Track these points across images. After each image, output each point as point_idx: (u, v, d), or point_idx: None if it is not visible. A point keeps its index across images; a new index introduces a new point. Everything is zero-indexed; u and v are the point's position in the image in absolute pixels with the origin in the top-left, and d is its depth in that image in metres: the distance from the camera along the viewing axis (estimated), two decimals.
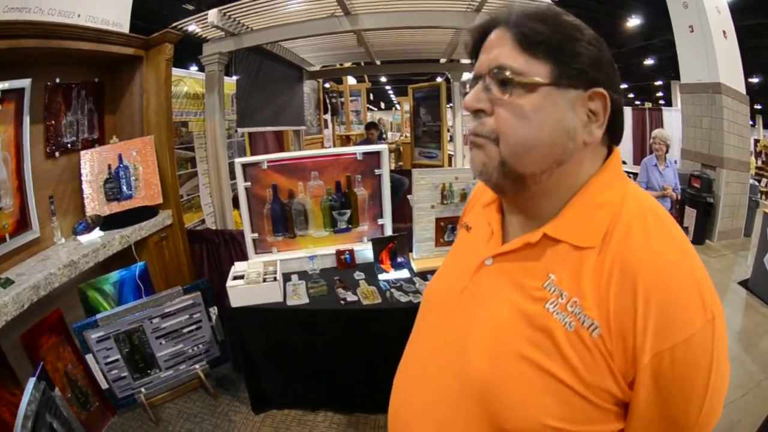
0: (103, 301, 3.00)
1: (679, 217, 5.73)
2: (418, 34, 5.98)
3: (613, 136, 0.80)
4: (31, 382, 2.11)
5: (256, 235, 3.14)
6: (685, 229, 3.99)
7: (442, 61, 7.54)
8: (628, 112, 11.63)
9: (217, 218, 5.13)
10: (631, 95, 23.65)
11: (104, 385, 2.82)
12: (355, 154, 3.10)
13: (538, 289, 0.75)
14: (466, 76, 7.79)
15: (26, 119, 2.45)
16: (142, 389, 2.96)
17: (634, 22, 11.45)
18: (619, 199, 0.75)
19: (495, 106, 0.75)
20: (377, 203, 3.20)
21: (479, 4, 3.95)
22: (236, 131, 5.64)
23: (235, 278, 2.84)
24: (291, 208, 3.12)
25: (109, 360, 2.81)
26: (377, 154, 3.11)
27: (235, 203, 5.15)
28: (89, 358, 2.74)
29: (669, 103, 16.64)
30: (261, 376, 2.90)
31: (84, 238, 2.82)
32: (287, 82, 6.75)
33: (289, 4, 4.34)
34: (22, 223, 2.49)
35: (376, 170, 3.13)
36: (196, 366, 3.16)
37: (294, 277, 3.03)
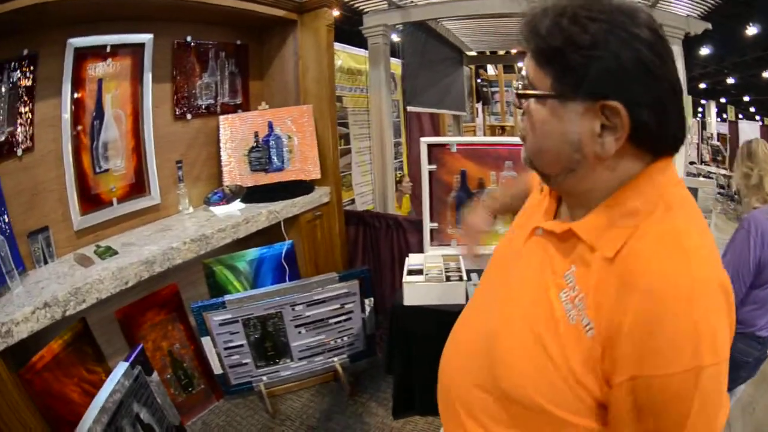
0: (234, 280, 2.57)
1: None
2: None
3: (652, 149, 0.67)
4: (122, 367, 1.71)
5: (435, 224, 2.59)
6: None
7: None
8: (755, 128, 10.23)
9: (376, 200, 4.58)
10: (751, 110, 21.77)
11: (218, 371, 2.39)
12: None
13: (560, 277, 0.71)
14: None
15: (147, 76, 2.06)
16: (264, 378, 2.49)
17: (752, 30, 9.60)
18: (648, 208, 0.66)
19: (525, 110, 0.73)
20: None
21: (653, 2, 3.46)
22: (405, 109, 5.16)
23: (410, 272, 2.28)
24: (480, 198, 2.53)
25: (231, 345, 2.36)
26: None
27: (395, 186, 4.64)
28: (206, 341, 2.30)
29: None
30: (414, 378, 2.34)
31: (219, 210, 2.40)
32: (449, 65, 6.05)
33: None
34: (138, 188, 2.13)
35: None
36: (335, 359, 2.61)
37: (474, 276, 2.38)
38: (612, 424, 0.66)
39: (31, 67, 1.61)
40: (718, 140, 12.58)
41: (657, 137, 0.65)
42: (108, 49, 1.86)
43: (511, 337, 0.74)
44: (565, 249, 0.73)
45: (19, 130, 1.60)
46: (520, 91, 0.71)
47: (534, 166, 0.75)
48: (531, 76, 0.68)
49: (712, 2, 3.49)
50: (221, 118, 2.55)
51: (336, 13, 4.09)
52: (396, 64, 5.01)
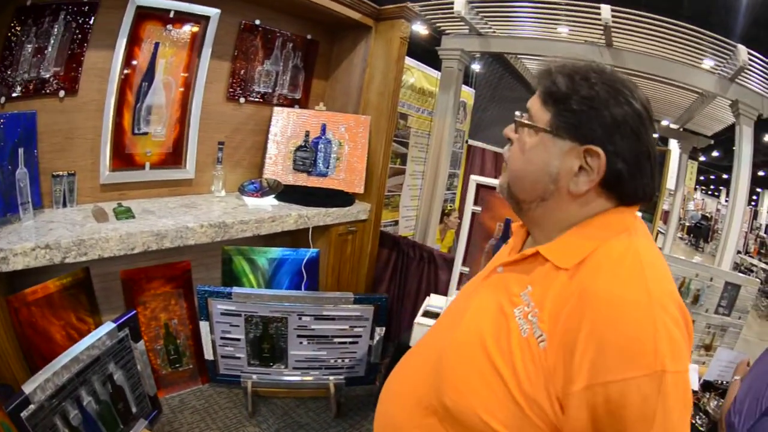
0: (250, 274, 2.53)
1: None
2: (660, 89, 5.02)
3: (619, 195, 0.76)
4: (108, 326, 1.72)
5: (467, 269, 2.44)
6: None
7: (673, 126, 6.94)
8: None
9: (418, 229, 4.50)
10: None
11: (209, 356, 2.34)
12: None
13: (516, 296, 0.76)
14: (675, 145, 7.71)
15: (206, 51, 2.08)
16: (254, 376, 2.42)
17: None
18: (612, 234, 0.72)
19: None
20: None
21: (732, 76, 3.46)
22: (467, 141, 5.01)
23: (426, 314, 2.20)
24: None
25: (228, 336, 2.31)
26: None
27: (440, 218, 4.53)
28: (203, 325, 2.27)
29: None
30: None
31: (250, 201, 2.36)
32: (522, 106, 5.90)
33: (553, 22, 3.55)
34: (174, 158, 2.14)
35: None
36: (331, 377, 2.51)
37: None
38: None
39: (90, 15, 1.64)
40: (766, 232, 11.82)
41: (628, 187, 0.75)
42: (171, 15, 1.89)
43: (458, 353, 0.78)
44: (524, 271, 0.78)
45: (64, 72, 1.63)
46: (520, 120, 0.80)
47: (510, 192, 0.83)
48: (533, 110, 0.79)
49: None
50: (276, 109, 2.54)
51: (425, 31, 4.09)
52: (469, 93, 4.93)
